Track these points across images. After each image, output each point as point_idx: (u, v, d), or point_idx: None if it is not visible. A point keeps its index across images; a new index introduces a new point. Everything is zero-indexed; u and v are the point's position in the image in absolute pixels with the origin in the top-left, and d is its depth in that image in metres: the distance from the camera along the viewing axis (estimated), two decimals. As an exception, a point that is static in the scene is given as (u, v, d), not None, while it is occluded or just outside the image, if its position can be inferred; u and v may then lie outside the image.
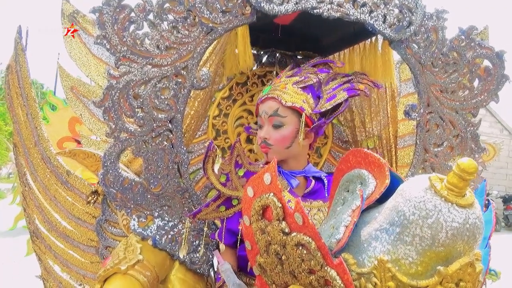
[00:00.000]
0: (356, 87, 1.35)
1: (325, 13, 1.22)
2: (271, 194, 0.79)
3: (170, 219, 1.31)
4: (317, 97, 1.34)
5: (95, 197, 1.58)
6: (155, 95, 1.23)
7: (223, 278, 1.22)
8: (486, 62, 1.41)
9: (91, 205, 1.60)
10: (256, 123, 1.74)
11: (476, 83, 1.41)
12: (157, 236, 1.28)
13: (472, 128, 1.44)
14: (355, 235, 0.79)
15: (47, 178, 1.75)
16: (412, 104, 1.38)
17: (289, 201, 1.19)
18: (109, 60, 1.82)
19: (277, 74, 1.75)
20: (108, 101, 1.21)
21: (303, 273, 0.78)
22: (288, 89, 1.32)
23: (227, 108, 1.76)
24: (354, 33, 1.51)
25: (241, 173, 1.28)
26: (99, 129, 1.79)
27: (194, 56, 1.22)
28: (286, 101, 1.29)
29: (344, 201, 0.95)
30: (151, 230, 1.28)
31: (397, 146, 1.60)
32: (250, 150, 1.76)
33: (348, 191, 0.95)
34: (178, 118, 1.26)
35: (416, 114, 1.37)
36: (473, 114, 1.44)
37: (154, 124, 1.25)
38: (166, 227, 1.30)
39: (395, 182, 0.83)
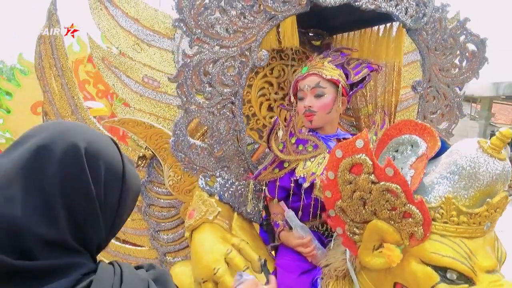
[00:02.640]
0: (372, 65, 1.67)
1: (363, 6, 1.47)
2: (363, 154, 1.07)
3: (229, 178, 1.55)
4: (345, 74, 1.64)
5: (144, 161, 1.76)
6: (222, 73, 1.43)
7: (282, 223, 1.51)
8: (473, 47, 1.77)
9: (140, 168, 1.77)
10: (276, 93, 1.99)
11: (464, 63, 1.77)
12: (221, 192, 1.51)
13: (458, 99, 1.82)
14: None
15: (85, 145, 1.86)
16: (418, 80, 1.71)
17: None
18: (137, 33, 1.93)
19: (291, 49, 1.99)
20: (182, 77, 1.39)
21: (384, 211, 1.08)
22: (326, 66, 1.60)
23: (251, 79, 1.97)
24: (364, 19, 1.78)
25: (293, 140, 1.54)
26: (132, 99, 1.92)
27: (257, 39, 1.43)
28: (326, 75, 1.57)
29: (393, 159, 1.26)
30: (216, 187, 1.51)
31: (396, 113, 1.94)
32: (271, 117, 2.01)
33: (397, 151, 1.27)
34: (240, 92, 1.47)
35: (421, 88, 1.71)
36: (459, 88, 1.81)
37: (220, 98, 1.45)
38: (226, 185, 1.54)
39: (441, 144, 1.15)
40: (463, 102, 1.92)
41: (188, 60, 1.38)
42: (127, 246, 1.99)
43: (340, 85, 1.55)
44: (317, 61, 1.62)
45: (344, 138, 1.63)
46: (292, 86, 1.66)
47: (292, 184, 1.49)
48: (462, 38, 1.72)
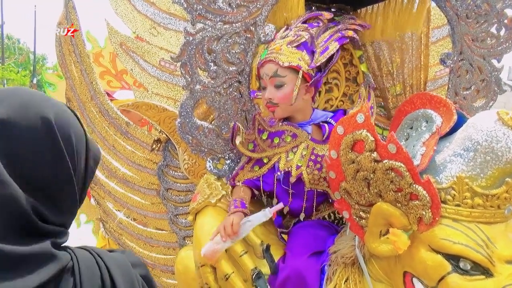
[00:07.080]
0: (346, 34, 1.45)
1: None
2: (364, 130, 0.97)
3: (238, 161, 1.49)
4: (312, 52, 1.39)
5: (159, 144, 1.75)
6: (227, 50, 1.37)
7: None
8: (512, 13, 1.57)
9: (155, 152, 1.77)
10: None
11: (502, 32, 1.58)
12: (230, 175, 1.47)
13: (496, 73, 1.63)
14: (430, 161, 0.99)
15: (105, 130, 1.89)
16: (448, 52, 1.55)
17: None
18: (154, 16, 1.92)
19: (313, 26, 1.89)
20: (185, 56, 1.35)
21: (390, 192, 0.98)
22: (283, 50, 1.35)
23: (269, 60, 1.89)
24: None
25: (264, 136, 1.42)
26: (150, 83, 1.92)
27: (262, 12, 1.35)
28: (283, 62, 1.33)
29: (408, 137, 1.14)
30: (225, 170, 1.47)
31: (426, 91, 1.78)
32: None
33: (411, 128, 1.15)
34: (247, 70, 1.41)
35: (451, 62, 1.55)
36: (497, 60, 1.62)
37: (226, 76, 1.39)
38: (236, 167, 1.49)
39: (458, 118, 1.02)
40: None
41: (191, 38, 1.33)
42: (148, 229, 2.02)
43: (300, 72, 1.33)
44: (275, 43, 1.38)
45: (324, 122, 1.44)
46: (256, 73, 1.47)
47: (275, 182, 1.39)
48: (499, 3, 1.53)
